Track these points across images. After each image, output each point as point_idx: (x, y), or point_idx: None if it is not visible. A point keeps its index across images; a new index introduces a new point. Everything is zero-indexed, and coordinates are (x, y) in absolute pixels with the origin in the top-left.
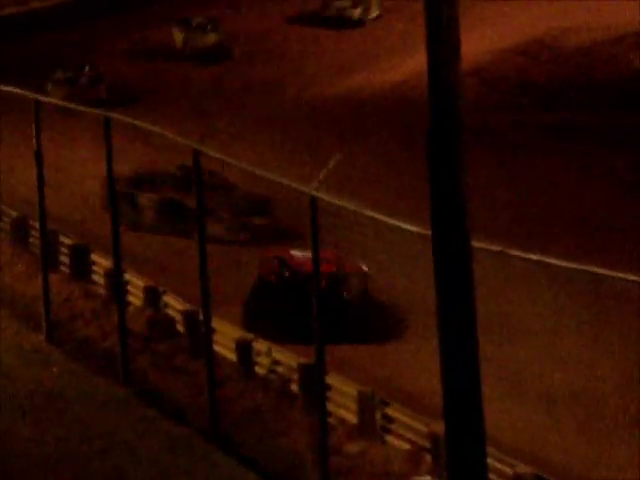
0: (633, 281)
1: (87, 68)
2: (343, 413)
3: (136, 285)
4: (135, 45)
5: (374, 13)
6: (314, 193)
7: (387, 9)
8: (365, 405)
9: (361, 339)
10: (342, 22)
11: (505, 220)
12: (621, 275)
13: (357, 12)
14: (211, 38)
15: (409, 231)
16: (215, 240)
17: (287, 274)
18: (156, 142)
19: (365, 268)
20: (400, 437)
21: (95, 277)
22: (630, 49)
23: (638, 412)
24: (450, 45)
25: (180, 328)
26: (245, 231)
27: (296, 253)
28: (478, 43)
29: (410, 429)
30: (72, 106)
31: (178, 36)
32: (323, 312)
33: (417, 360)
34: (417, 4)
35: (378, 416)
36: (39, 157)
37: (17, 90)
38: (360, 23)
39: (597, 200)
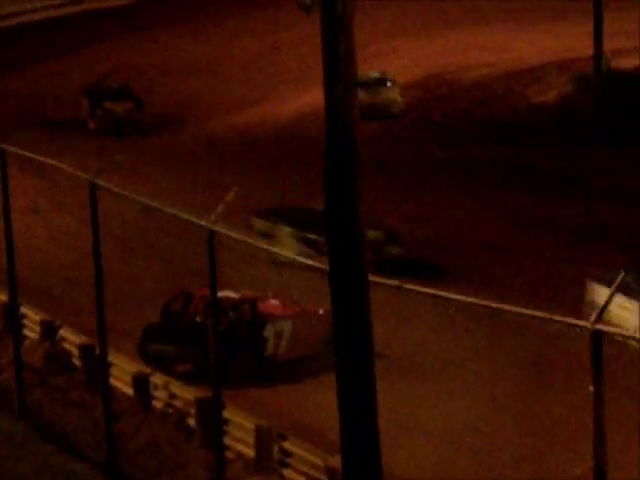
0: (525, 314)
1: None
2: (241, 447)
3: (32, 319)
4: None
5: None
6: (212, 226)
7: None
8: (262, 439)
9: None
10: None
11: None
12: (513, 308)
13: None
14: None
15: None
16: None
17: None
18: (53, 176)
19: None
20: (298, 471)
21: None
22: (526, 85)
23: (531, 442)
24: (347, 81)
25: (77, 362)
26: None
27: (224, 293)
28: None
29: (308, 463)
30: None
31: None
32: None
33: (319, 398)
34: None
35: (276, 450)
36: None
37: None
38: None
39: (488, 232)
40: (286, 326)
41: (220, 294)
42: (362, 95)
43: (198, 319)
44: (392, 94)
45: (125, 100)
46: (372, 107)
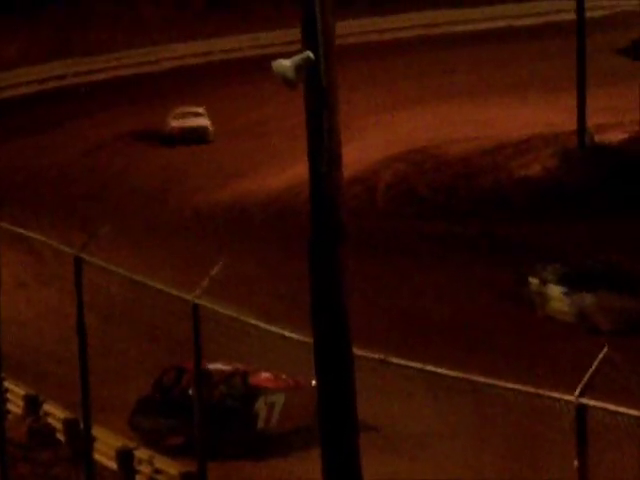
0: (510, 389)
1: None
2: None
3: (16, 393)
4: None
5: None
6: (197, 301)
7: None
8: None
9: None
10: None
11: (385, 326)
12: (499, 383)
13: None
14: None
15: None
16: None
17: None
18: (38, 249)
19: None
20: None
21: None
22: (510, 159)
23: None
24: (331, 156)
25: (60, 436)
26: None
27: (216, 366)
28: (362, 151)
29: None
30: None
31: None
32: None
33: (309, 472)
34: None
35: None
36: None
37: None
38: None
39: (472, 308)
40: (278, 399)
41: (211, 366)
42: (175, 122)
43: (190, 392)
44: (202, 122)
45: None
46: (183, 132)
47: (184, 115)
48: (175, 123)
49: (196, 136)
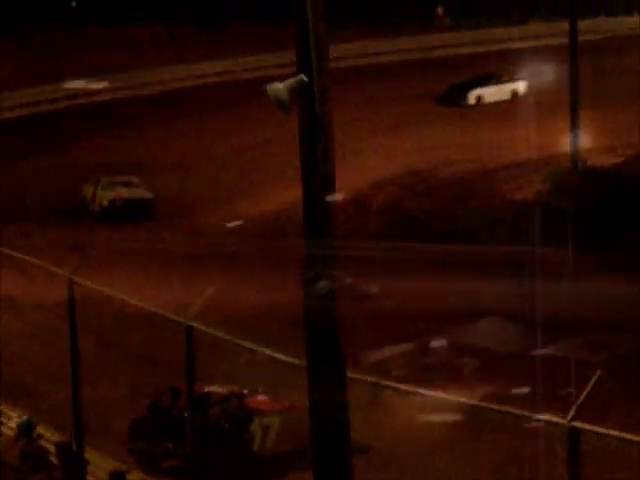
0: (504, 412)
1: None
2: None
3: (9, 416)
4: None
5: None
6: (190, 323)
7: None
8: None
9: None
10: None
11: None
12: (490, 405)
13: None
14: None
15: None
16: None
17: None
18: (33, 270)
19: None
20: None
21: None
22: (503, 181)
23: None
24: (324, 177)
25: (53, 459)
26: None
27: (212, 388)
28: (356, 174)
29: None
30: None
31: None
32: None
33: None
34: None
35: None
36: None
37: None
38: None
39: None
40: (274, 421)
41: (207, 389)
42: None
43: (186, 414)
44: (146, 193)
45: None
46: (128, 205)
47: (113, 185)
48: (113, 194)
49: (142, 210)
